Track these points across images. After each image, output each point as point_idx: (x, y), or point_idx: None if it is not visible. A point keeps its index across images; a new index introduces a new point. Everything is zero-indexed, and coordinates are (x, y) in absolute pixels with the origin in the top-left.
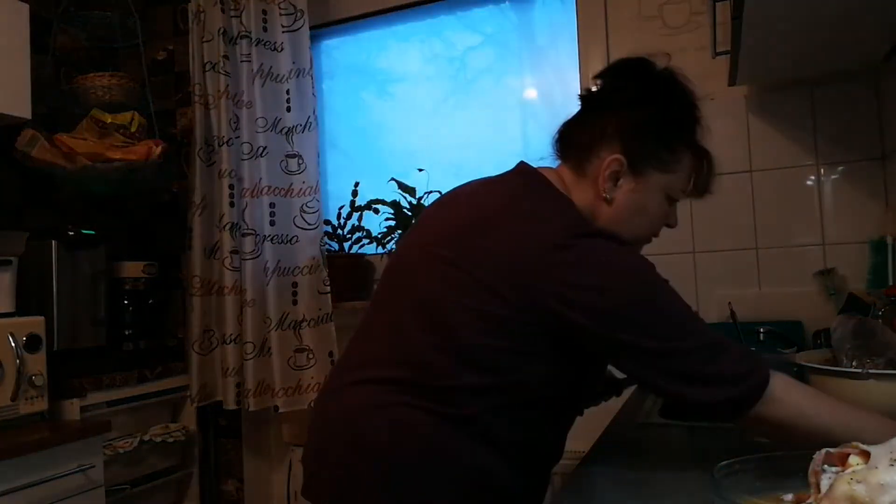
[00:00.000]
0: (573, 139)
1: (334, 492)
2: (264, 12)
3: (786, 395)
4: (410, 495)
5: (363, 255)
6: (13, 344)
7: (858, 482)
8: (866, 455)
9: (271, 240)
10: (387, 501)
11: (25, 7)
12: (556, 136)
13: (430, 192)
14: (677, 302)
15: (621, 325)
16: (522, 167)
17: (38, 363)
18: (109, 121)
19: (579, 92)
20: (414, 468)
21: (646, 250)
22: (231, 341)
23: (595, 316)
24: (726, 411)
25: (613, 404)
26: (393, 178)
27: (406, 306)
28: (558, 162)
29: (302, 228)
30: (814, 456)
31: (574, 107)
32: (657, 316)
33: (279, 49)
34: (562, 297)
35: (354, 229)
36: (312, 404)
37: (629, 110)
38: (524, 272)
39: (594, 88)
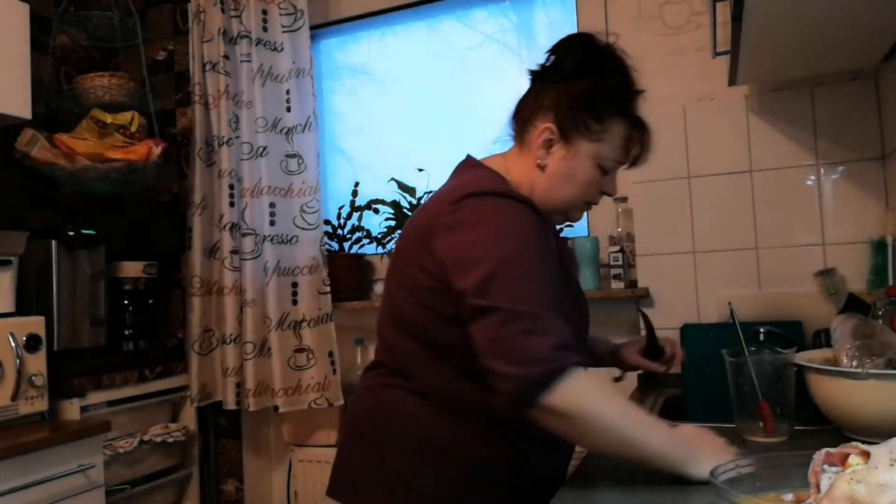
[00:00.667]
0: (518, 114)
1: (336, 464)
2: (264, 12)
3: (577, 388)
4: (388, 469)
5: (363, 255)
6: (13, 344)
7: (858, 482)
8: (866, 455)
9: (271, 240)
10: (369, 472)
11: (25, 7)
12: (511, 114)
13: (430, 192)
14: (536, 272)
15: (470, 277)
16: (466, 158)
17: (38, 363)
18: (109, 121)
19: (528, 68)
20: (390, 443)
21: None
22: (231, 341)
23: (458, 265)
24: (521, 393)
25: None
26: (393, 178)
27: (382, 301)
28: (511, 143)
29: (302, 228)
30: (814, 456)
31: None
32: (511, 279)
33: (279, 49)
34: (450, 255)
35: (354, 229)
36: (313, 404)
37: (565, 83)
38: (430, 236)
39: (538, 65)
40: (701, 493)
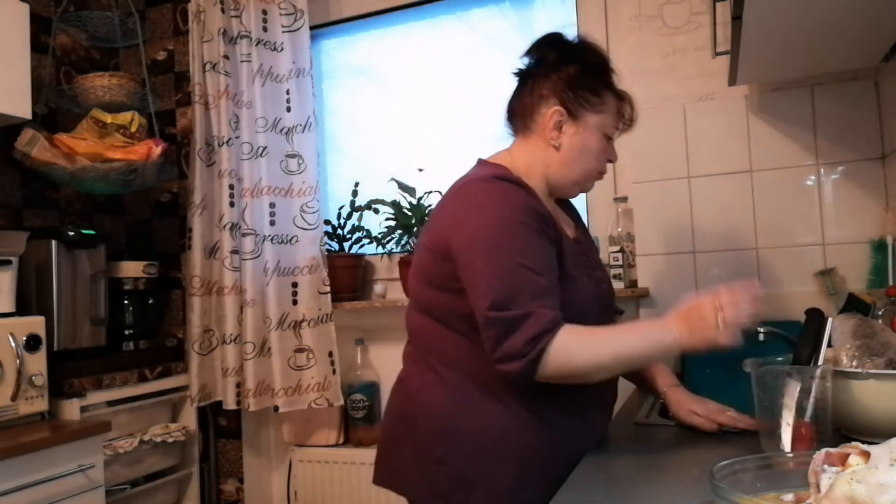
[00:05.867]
0: (517, 109)
1: (378, 454)
2: (264, 12)
3: (558, 357)
4: (423, 451)
5: (363, 255)
6: (13, 344)
7: (858, 482)
8: (866, 455)
9: (271, 240)
10: (406, 457)
11: (25, 7)
12: (505, 114)
13: (430, 191)
14: (513, 259)
15: (464, 257)
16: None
17: (38, 363)
18: (109, 121)
19: (512, 70)
20: (421, 427)
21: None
22: (231, 341)
23: (456, 239)
24: (518, 378)
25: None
26: (393, 178)
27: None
28: (512, 139)
29: (302, 228)
30: (814, 456)
31: None
32: (486, 265)
33: (279, 49)
34: (447, 228)
35: (354, 229)
36: (313, 404)
37: (556, 71)
38: (434, 220)
39: (523, 66)
40: (700, 492)
